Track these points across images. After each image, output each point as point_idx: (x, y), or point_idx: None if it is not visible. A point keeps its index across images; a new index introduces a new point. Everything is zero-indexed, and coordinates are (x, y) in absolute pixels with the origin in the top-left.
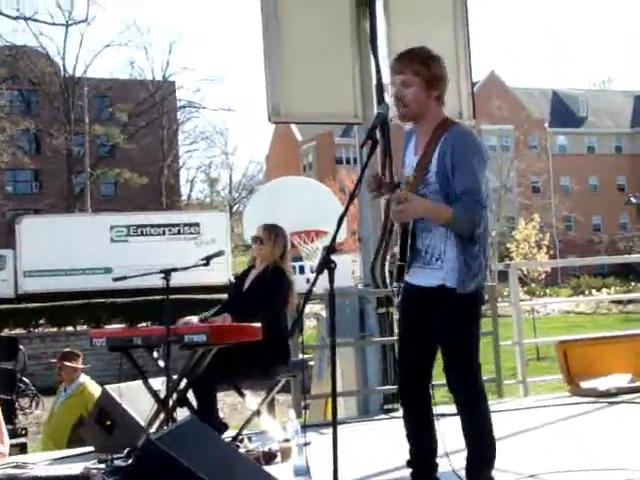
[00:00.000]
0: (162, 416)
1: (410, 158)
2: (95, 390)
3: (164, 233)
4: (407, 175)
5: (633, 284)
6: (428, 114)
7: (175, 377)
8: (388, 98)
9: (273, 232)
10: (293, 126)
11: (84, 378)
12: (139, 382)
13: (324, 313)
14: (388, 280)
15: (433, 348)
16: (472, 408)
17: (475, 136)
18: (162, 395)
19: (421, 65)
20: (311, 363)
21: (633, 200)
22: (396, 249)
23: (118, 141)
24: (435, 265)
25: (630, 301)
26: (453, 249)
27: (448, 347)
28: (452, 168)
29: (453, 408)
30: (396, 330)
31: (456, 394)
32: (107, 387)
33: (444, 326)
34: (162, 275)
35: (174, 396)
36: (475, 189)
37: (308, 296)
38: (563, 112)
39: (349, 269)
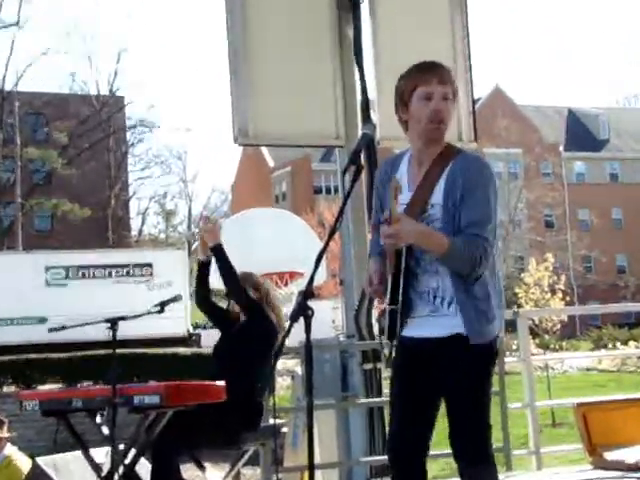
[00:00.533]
0: None
1: (402, 192)
2: (23, 464)
3: (110, 275)
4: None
5: None
6: (442, 138)
7: (122, 447)
8: (374, 116)
9: (254, 283)
10: (264, 149)
11: (10, 449)
12: (78, 453)
13: (299, 370)
14: (377, 333)
15: (435, 412)
16: None
17: (489, 167)
18: (106, 469)
19: (454, 81)
20: (284, 429)
21: None
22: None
23: (56, 166)
24: (448, 311)
25: None
26: (465, 292)
27: (457, 407)
28: (461, 198)
29: None
30: (385, 390)
31: (462, 464)
32: (39, 459)
33: (454, 382)
34: (108, 325)
35: (120, 470)
36: (482, 222)
37: (281, 349)
38: (581, 134)
39: (329, 317)
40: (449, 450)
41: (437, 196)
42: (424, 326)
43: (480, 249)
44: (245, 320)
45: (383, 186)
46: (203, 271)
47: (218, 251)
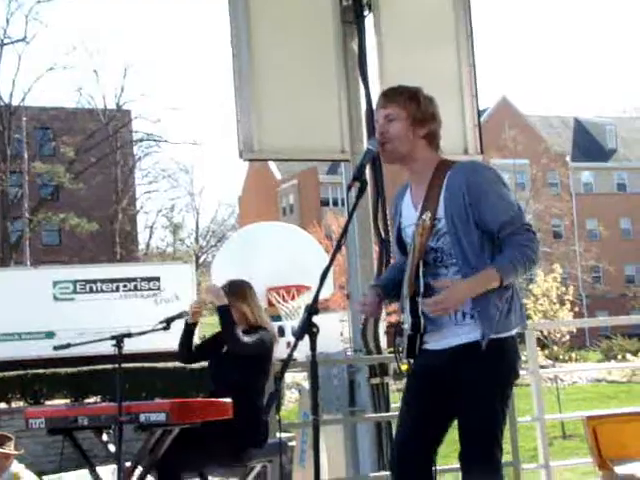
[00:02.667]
0: None
1: (409, 215)
2: None
3: (117, 289)
4: (412, 234)
5: None
6: (417, 156)
7: (128, 464)
8: None
9: (239, 293)
10: (271, 163)
11: (17, 467)
12: (84, 471)
13: (306, 384)
14: (395, 354)
15: (447, 421)
16: None
17: (485, 163)
18: None
19: (409, 100)
20: (292, 444)
21: None
22: (403, 316)
23: (63, 181)
24: (466, 322)
25: None
26: (485, 298)
27: (470, 409)
28: (476, 204)
29: None
30: (393, 404)
31: (467, 472)
32: (46, 478)
33: (470, 381)
34: (113, 342)
35: None
36: (512, 217)
37: (287, 363)
38: (588, 144)
39: (337, 330)
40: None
41: (441, 210)
42: (444, 338)
43: (528, 242)
44: None
45: (396, 210)
46: (190, 333)
47: (224, 312)
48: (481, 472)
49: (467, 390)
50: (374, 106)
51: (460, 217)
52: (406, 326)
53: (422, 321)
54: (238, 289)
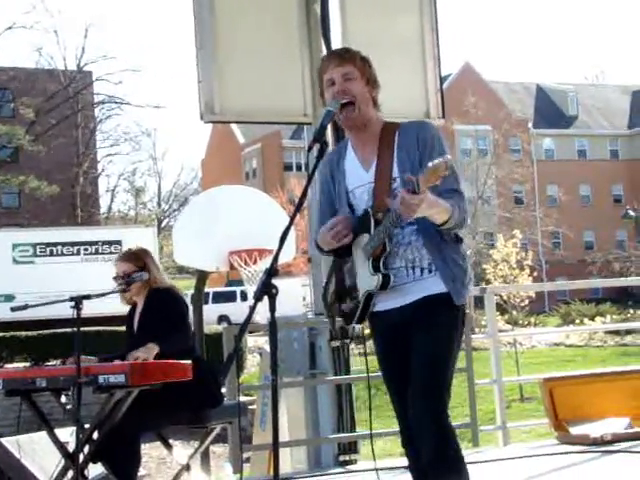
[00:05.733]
0: (71, 474)
1: (357, 175)
2: None
3: (79, 253)
4: (362, 195)
5: (632, 311)
6: (372, 119)
7: (87, 426)
8: None
9: (134, 260)
10: (234, 126)
11: None
12: (43, 433)
13: (268, 347)
14: (332, 315)
15: None
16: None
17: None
18: (71, 448)
19: (362, 60)
20: (253, 407)
21: (631, 213)
22: (349, 280)
23: (23, 143)
24: (425, 276)
25: (628, 332)
26: (442, 259)
27: (424, 359)
28: (423, 159)
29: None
30: (353, 367)
31: (422, 428)
32: (3, 440)
33: (426, 329)
34: (72, 304)
35: (86, 449)
36: (455, 174)
37: (246, 326)
38: (550, 110)
39: (299, 294)
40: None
41: (395, 170)
42: (406, 295)
43: (463, 202)
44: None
45: (331, 175)
46: None
47: (160, 356)
48: (444, 438)
49: (428, 326)
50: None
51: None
52: (360, 287)
53: (391, 277)
54: (134, 256)
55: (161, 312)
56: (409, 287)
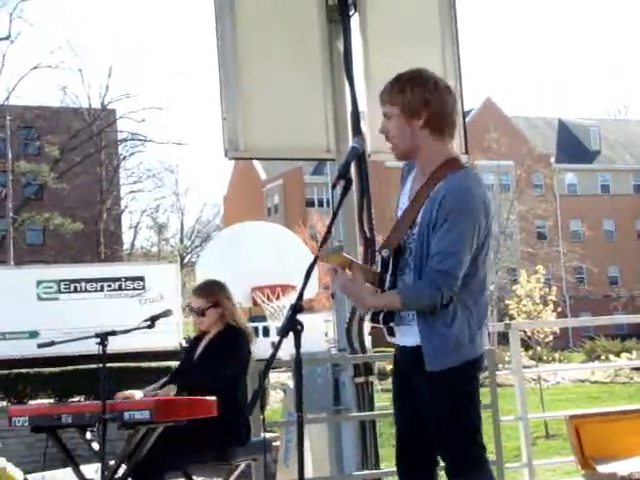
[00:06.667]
0: None
1: (403, 198)
2: (16, 473)
3: (102, 289)
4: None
5: None
6: (422, 150)
7: (112, 463)
8: (365, 129)
9: (212, 295)
10: (256, 162)
11: (2, 462)
12: (68, 469)
13: (291, 384)
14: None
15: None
16: None
17: (475, 191)
18: None
19: (398, 93)
20: (276, 443)
21: None
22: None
23: (47, 180)
24: (411, 323)
25: None
26: (424, 320)
27: (432, 428)
28: (434, 226)
29: None
30: (377, 404)
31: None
32: (30, 478)
33: (425, 401)
34: (97, 340)
35: None
36: (445, 253)
37: (271, 363)
38: (572, 145)
39: (321, 330)
40: None
41: (419, 217)
42: (402, 336)
43: (438, 285)
44: (211, 342)
45: (402, 182)
46: None
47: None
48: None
49: (425, 408)
50: (359, 106)
51: (428, 231)
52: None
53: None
54: (206, 293)
55: (223, 348)
56: (403, 329)
